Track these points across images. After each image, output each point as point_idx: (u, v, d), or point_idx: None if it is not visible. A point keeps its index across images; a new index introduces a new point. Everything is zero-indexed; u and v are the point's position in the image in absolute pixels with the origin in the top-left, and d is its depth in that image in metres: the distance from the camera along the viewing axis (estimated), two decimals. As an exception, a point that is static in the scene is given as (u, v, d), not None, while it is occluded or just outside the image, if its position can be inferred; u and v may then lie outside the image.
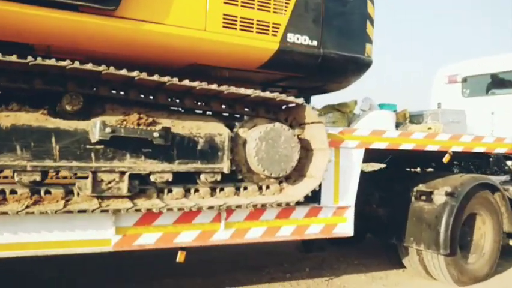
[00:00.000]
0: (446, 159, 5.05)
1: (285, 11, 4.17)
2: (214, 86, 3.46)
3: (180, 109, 3.88)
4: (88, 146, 3.20)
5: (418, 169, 6.45)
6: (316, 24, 4.35)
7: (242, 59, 4.15)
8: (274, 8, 4.11)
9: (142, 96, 3.55)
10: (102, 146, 3.23)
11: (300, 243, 5.76)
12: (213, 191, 3.78)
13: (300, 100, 3.82)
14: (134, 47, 3.69)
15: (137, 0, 3.53)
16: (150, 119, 3.47)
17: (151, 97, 3.58)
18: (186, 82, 3.39)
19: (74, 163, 3.17)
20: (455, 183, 5.01)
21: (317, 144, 4.03)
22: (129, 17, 3.51)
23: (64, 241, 3.19)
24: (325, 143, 3.91)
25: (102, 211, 3.19)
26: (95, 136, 3.10)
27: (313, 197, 4.11)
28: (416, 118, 6.05)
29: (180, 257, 3.62)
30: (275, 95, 3.74)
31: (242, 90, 3.59)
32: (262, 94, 3.68)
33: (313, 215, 4.14)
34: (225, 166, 3.68)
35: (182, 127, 3.60)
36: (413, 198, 5.16)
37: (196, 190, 3.73)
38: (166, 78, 3.29)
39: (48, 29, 3.32)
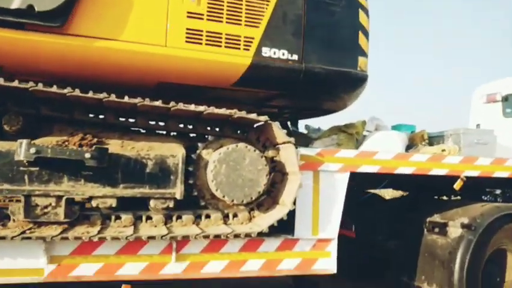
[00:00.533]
0: (457, 185, 4.33)
1: (259, 23, 3.85)
2: (158, 103, 3.17)
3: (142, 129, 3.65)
4: (21, 168, 3.03)
5: (444, 197, 5.70)
6: (297, 37, 3.95)
7: (211, 76, 3.83)
8: (246, 21, 3.79)
9: (90, 115, 3.36)
10: (36, 168, 3.02)
11: (290, 278, 5.19)
12: (168, 218, 3.45)
13: (262, 118, 3.41)
14: (88, 66, 3.51)
15: (87, 16, 3.38)
16: (95, 140, 3.24)
17: (101, 116, 3.38)
18: (126, 99, 3.12)
19: (5, 186, 3.00)
20: (474, 214, 4.26)
21: (289, 167, 3.58)
22: (79, 33, 3.35)
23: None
24: (295, 165, 3.45)
25: (33, 238, 2.96)
26: (20, 156, 2.90)
27: (290, 228, 3.67)
28: (436, 140, 5.34)
29: (124, 291, 3.28)
30: (233, 111, 3.37)
31: (192, 107, 3.26)
32: (216, 111, 3.31)
33: (287, 248, 3.62)
34: (177, 191, 3.30)
35: (132, 148, 3.32)
36: (425, 230, 4.49)
37: (149, 217, 3.43)
38: (102, 95, 3.06)
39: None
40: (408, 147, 4.97)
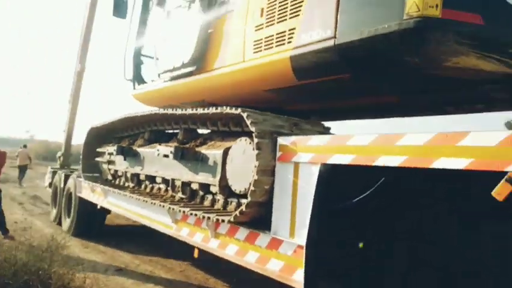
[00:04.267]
0: (499, 191, 1.81)
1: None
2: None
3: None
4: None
5: None
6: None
7: (274, 77, 3.93)
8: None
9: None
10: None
11: None
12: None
13: (236, 110, 3.37)
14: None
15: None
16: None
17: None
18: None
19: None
20: None
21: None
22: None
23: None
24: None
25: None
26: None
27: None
28: None
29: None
30: (223, 108, 3.58)
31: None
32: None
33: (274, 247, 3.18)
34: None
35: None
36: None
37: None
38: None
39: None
40: None
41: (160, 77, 5.19)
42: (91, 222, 7.63)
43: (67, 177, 8.35)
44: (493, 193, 1.96)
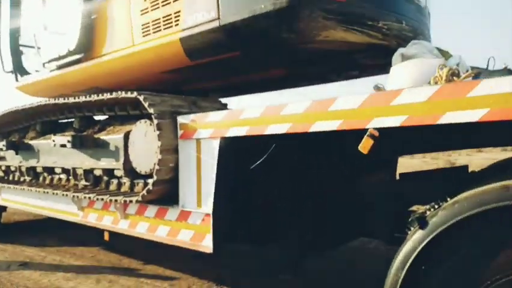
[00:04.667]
0: (363, 145, 2.32)
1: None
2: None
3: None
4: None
5: None
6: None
7: (167, 60, 4.10)
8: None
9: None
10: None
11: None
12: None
13: (132, 94, 3.51)
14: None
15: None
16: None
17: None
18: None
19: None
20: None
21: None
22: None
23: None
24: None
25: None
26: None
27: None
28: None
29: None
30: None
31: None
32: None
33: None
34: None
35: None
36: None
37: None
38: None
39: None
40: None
41: (45, 67, 4.98)
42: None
43: None
44: (359, 147, 2.39)
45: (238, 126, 2.99)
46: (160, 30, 3.78)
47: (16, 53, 5.58)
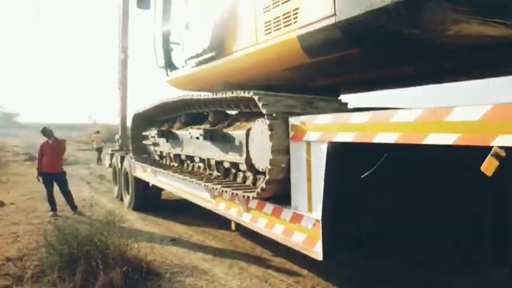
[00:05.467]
0: (485, 167, 1.77)
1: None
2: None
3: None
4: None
5: None
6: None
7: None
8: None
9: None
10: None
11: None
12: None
13: (248, 93, 3.46)
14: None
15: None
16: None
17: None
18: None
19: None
20: None
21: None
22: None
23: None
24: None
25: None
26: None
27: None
28: None
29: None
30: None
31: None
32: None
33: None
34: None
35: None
36: None
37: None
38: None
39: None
40: None
41: (186, 63, 5.36)
42: (148, 198, 8.16)
43: (122, 159, 8.91)
44: (481, 168, 1.98)
45: (345, 131, 2.76)
46: (280, 28, 3.69)
47: (167, 50, 6.12)
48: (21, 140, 30.72)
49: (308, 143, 3.16)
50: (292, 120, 3.31)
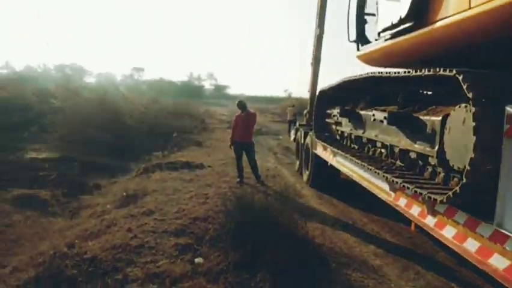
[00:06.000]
0: None
1: None
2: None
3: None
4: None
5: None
6: None
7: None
8: None
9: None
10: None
11: None
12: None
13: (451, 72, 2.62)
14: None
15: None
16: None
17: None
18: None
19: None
20: None
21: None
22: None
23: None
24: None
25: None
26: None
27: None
28: None
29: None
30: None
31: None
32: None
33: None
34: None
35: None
36: None
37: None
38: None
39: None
40: None
41: (380, 36, 4.70)
42: (326, 177, 7.86)
43: (306, 134, 8.81)
44: None
45: None
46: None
47: (360, 23, 5.55)
48: (228, 109, 34.22)
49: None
50: (510, 109, 2.44)
